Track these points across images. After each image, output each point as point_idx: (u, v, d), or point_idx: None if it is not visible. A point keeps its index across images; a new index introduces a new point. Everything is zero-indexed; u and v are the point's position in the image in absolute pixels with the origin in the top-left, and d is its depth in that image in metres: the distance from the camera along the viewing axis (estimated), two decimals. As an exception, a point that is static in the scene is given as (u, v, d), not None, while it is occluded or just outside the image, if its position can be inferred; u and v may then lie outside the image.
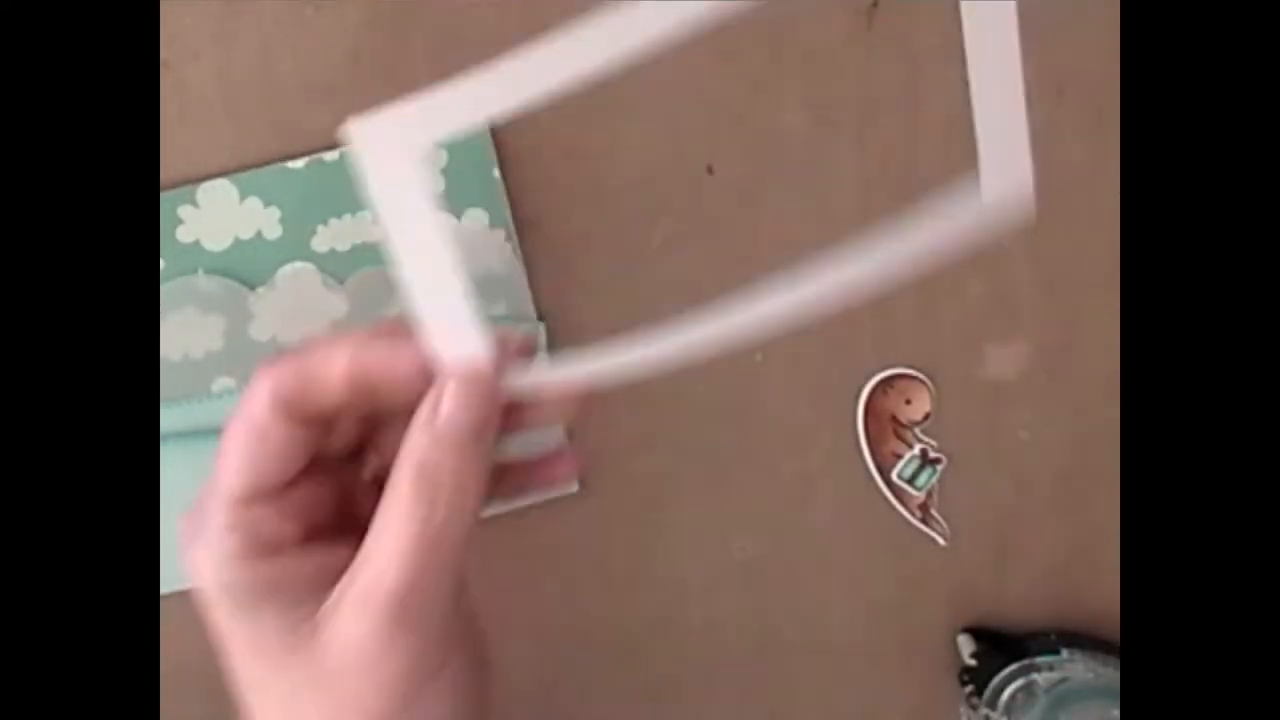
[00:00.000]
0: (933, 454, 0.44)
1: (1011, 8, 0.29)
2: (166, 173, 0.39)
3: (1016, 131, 0.30)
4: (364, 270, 0.40)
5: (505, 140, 0.39)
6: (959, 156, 0.41)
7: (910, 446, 0.44)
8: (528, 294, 0.41)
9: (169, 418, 0.40)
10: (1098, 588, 0.46)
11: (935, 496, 0.45)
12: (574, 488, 0.42)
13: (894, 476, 0.44)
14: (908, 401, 0.44)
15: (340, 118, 0.39)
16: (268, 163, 0.39)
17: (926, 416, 0.44)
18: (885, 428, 0.44)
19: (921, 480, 0.45)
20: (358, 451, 0.34)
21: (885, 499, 0.44)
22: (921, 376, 0.43)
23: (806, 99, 0.40)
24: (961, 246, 0.32)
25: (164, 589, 0.42)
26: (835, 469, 0.44)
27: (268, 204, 0.39)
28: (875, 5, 0.39)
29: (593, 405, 0.42)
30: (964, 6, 0.29)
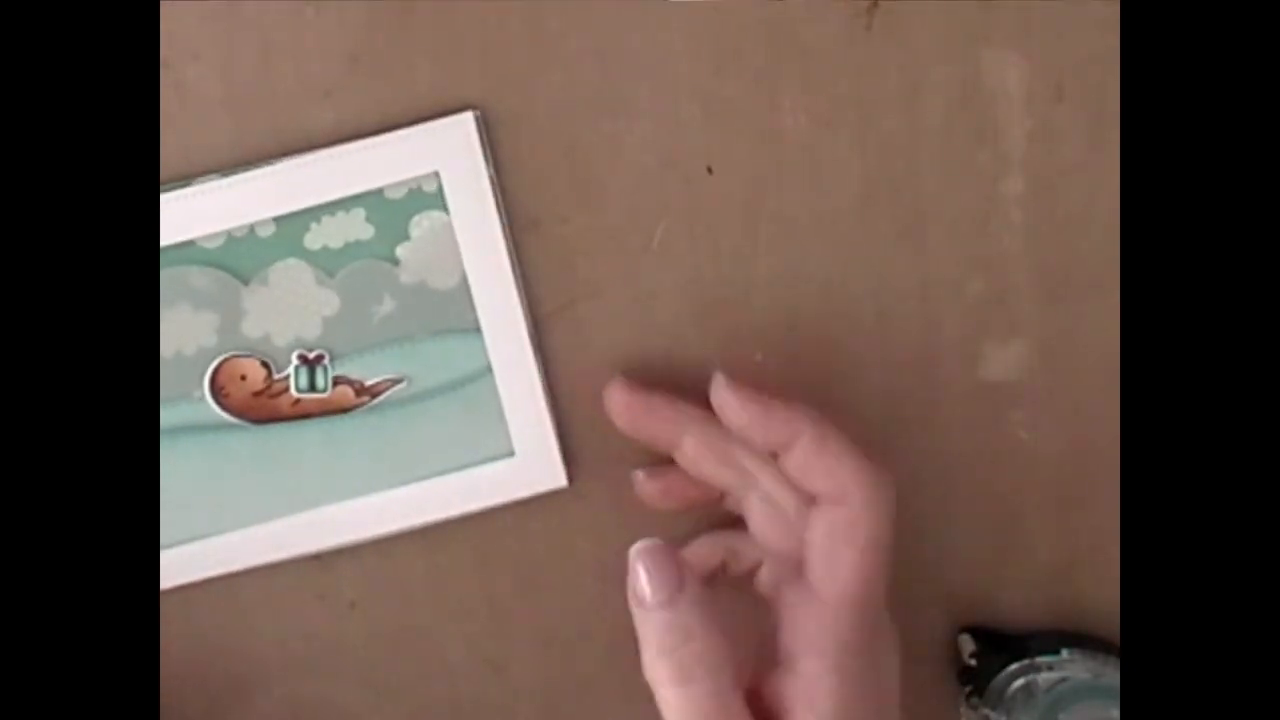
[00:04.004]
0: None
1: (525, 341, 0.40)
2: (164, 171, 0.39)
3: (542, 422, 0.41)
4: (356, 267, 0.40)
5: (504, 139, 0.40)
6: (959, 156, 0.41)
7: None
8: (523, 294, 0.41)
9: (162, 415, 0.40)
10: (1098, 588, 0.46)
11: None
12: (563, 482, 0.43)
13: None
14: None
15: (340, 118, 0.40)
16: (266, 162, 0.39)
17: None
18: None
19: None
20: None
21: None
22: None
23: (806, 99, 0.40)
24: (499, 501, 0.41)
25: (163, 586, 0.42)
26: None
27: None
28: (875, 5, 0.39)
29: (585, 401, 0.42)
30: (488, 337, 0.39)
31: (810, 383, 0.43)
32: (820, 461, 0.37)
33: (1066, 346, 0.43)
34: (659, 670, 0.35)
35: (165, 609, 0.42)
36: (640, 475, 0.42)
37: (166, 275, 0.39)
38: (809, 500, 0.38)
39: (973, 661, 0.45)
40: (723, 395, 0.39)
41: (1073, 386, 0.43)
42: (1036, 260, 0.42)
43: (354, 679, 0.45)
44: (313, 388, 0.41)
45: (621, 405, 0.40)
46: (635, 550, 0.36)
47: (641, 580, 0.36)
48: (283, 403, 0.41)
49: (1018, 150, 0.41)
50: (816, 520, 0.38)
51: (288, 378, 0.41)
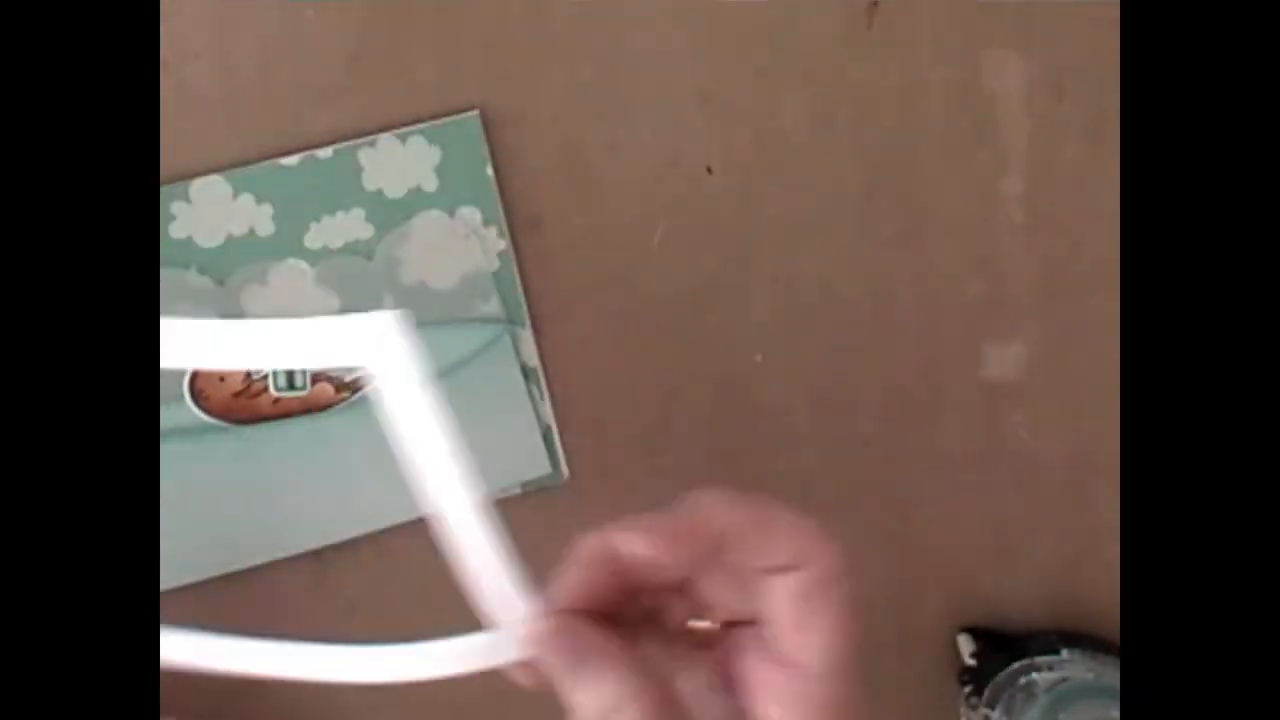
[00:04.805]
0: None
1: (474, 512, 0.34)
2: (164, 171, 0.39)
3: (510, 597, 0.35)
4: (355, 267, 0.40)
5: (505, 140, 0.40)
6: (959, 156, 0.41)
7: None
8: (521, 293, 0.41)
9: (163, 415, 0.40)
10: (1098, 588, 0.46)
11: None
12: (561, 477, 0.43)
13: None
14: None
15: (340, 118, 0.40)
16: (266, 161, 0.39)
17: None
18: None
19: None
20: None
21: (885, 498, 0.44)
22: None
23: (806, 99, 0.40)
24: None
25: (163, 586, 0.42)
26: (833, 469, 0.44)
27: (260, 201, 0.39)
28: (875, 5, 0.39)
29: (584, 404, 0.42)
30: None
31: (809, 383, 0.43)
32: (771, 535, 0.33)
33: (1066, 346, 0.43)
34: None
35: (165, 609, 0.42)
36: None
37: (166, 275, 0.39)
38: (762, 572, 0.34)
39: (973, 661, 0.45)
40: (628, 546, 0.34)
41: (1073, 386, 0.43)
42: (1036, 260, 0.42)
43: (354, 679, 0.45)
44: (291, 386, 0.41)
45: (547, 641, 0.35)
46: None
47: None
48: (263, 402, 0.41)
49: (1018, 150, 0.41)
50: (778, 588, 0.34)
51: (266, 377, 0.40)
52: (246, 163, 0.39)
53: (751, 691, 0.34)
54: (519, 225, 0.40)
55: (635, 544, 0.34)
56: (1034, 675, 0.44)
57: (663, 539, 0.34)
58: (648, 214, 0.41)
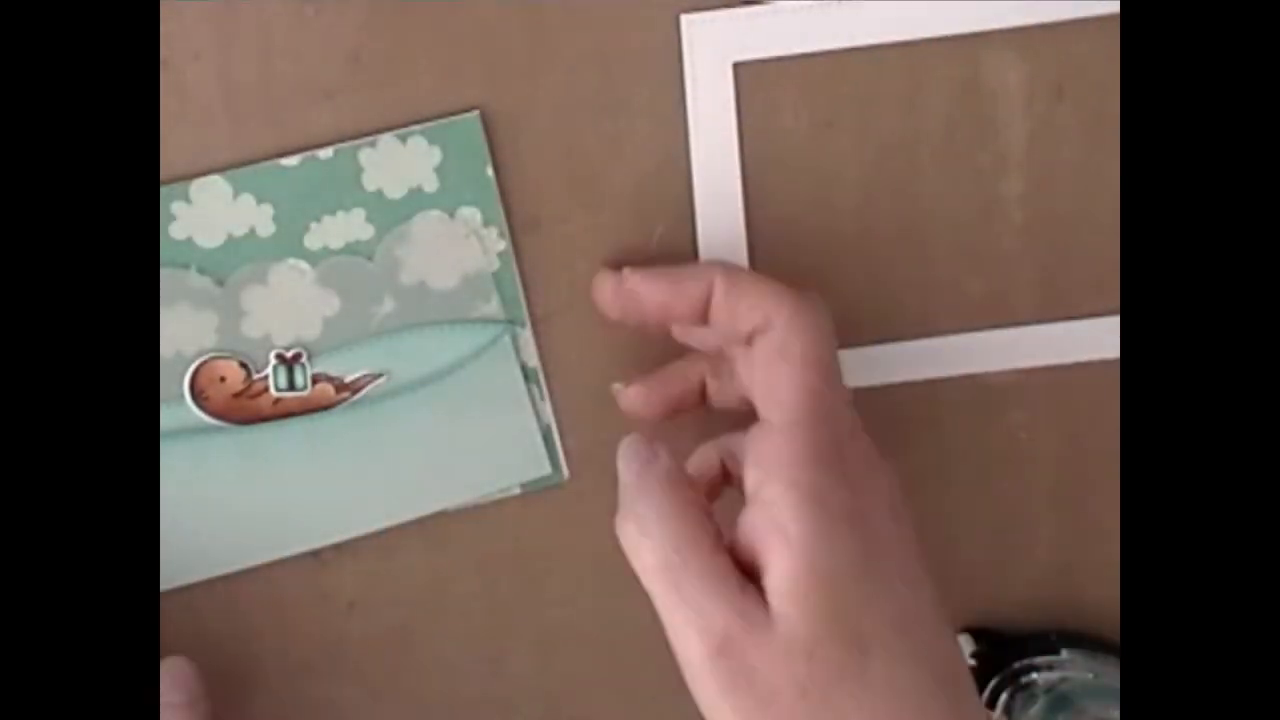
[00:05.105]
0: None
1: None
2: (164, 171, 0.39)
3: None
4: (355, 267, 0.40)
5: (504, 139, 0.39)
6: (959, 156, 0.41)
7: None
8: (520, 293, 0.41)
9: (163, 415, 0.40)
10: (1098, 588, 0.46)
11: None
12: (561, 477, 0.42)
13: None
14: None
15: (340, 118, 0.40)
16: (266, 160, 0.39)
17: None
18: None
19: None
20: None
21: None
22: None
23: (806, 99, 0.40)
24: None
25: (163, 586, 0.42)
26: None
27: (261, 201, 0.39)
28: (875, 5, 0.39)
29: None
30: None
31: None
32: (739, 300, 0.37)
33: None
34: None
35: (165, 609, 0.42)
36: (618, 386, 0.41)
37: (166, 275, 0.39)
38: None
39: (973, 661, 0.45)
40: (632, 283, 0.39)
41: (1073, 386, 0.43)
42: (1036, 260, 0.42)
43: (354, 679, 0.45)
44: (292, 386, 0.41)
45: (610, 296, 0.40)
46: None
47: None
48: (263, 403, 0.41)
49: (1018, 150, 0.41)
50: (752, 355, 0.37)
51: (267, 377, 0.41)
52: (246, 163, 0.39)
53: (741, 462, 0.36)
54: (519, 225, 0.40)
55: (644, 283, 0.38)
56: (1034, 675, 0.44)
57: (666, 280, 0.38)
58: (647, 214, 0.41)
